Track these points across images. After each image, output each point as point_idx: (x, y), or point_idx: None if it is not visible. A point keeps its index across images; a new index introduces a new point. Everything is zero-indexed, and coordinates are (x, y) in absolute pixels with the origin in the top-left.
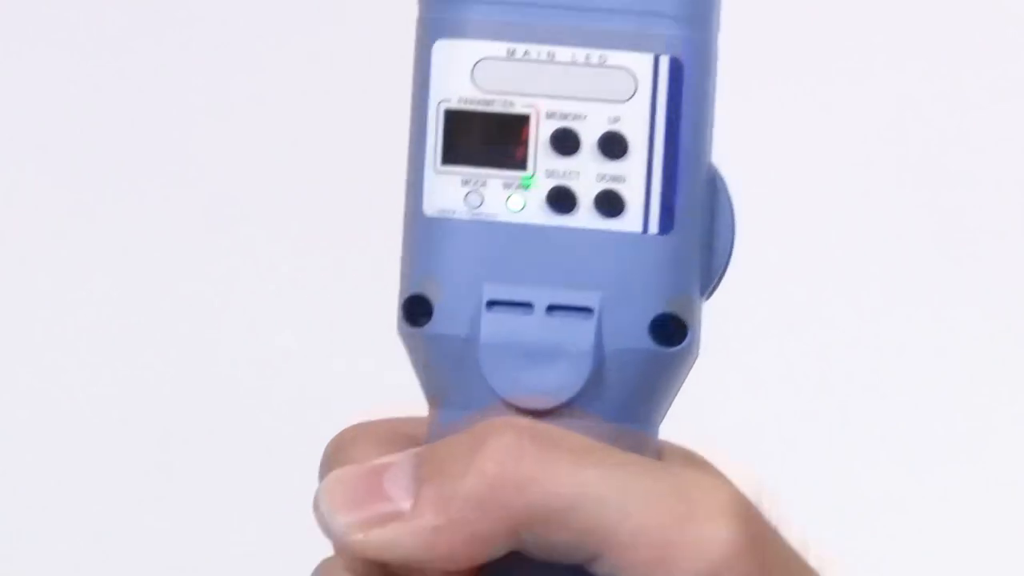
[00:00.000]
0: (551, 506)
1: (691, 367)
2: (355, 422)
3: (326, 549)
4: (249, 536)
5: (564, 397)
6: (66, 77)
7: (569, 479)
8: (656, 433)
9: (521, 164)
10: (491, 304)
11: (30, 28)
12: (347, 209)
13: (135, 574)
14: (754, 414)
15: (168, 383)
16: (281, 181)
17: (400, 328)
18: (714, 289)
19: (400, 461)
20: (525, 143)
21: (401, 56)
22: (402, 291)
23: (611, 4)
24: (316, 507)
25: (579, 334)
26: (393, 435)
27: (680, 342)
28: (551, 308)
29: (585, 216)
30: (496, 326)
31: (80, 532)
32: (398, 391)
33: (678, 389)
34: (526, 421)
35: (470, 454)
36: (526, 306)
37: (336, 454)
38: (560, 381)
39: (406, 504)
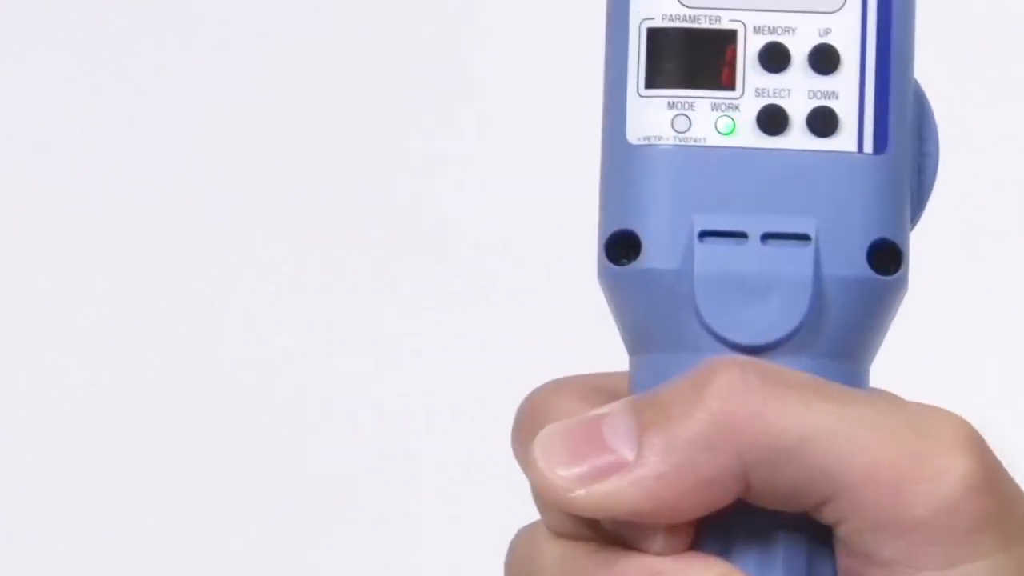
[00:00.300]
0: (781, 443)
1: (902, 300)
2: (546, 381)
3: (326, 549)
4: (249, 536)
5: (783, 332)
6: (66, 77)
7: (799, 414)
8: (868, 372)
9: (729, 83)
10: (703, 235)
11: (30, 28)
12: (347, 209)
13: (135, 574)
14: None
15: (168, 383)
16: (281, 181)
17: (602, 268)
18: (919, 217)
19: (618, 409)
20: (733, 60)
21: (401, 56)
22: (603, 228)
23: None
24: (532, 465)
25: (797, 263)
26: (593, 389)
27: (896, 270)
28: (766, 236)
29: (797, 136)
30: (710, 258)
31: (80, 532)
32: (398, 391)
33: (890, 324)
34: (748, 358)
35: (694, 394)
36: (740, 236)
37: (537, 410)
38: (779, 314)
39: (629, 454)
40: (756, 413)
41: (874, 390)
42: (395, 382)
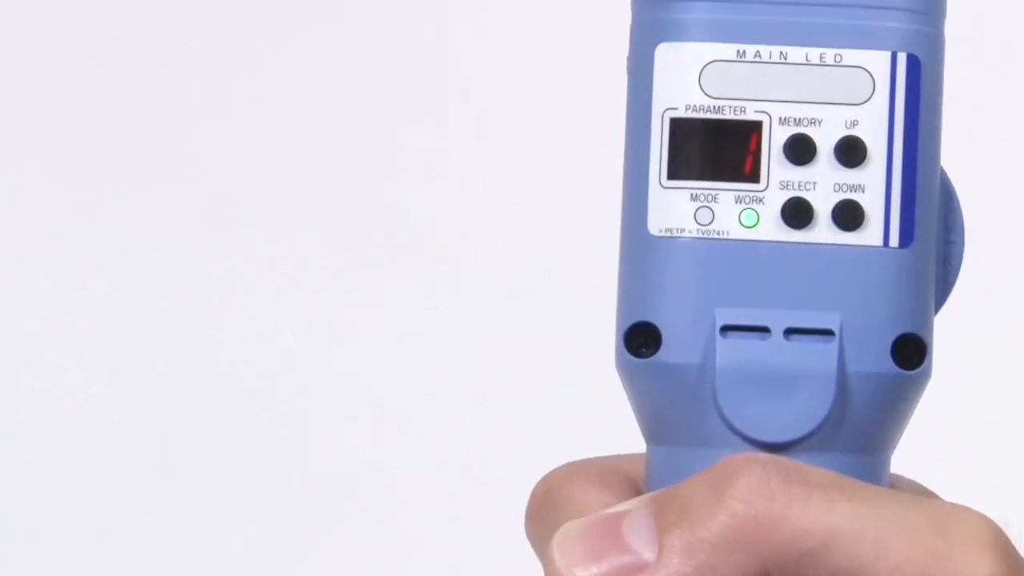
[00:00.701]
0: (805, 546)
1: (925, 390)
2: (562, 464)
3: (326, 549)
4: (249, 536)
5: (806, 429)
6: (66, 77)
7: (823, 516)
8: (889, 464)
9: (753, 176)
10: (725, 329)
11: (30, 28)
12: (347, 209)
13: (135, 574)
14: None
15: (168, 383)
16: (281, 181)
17: (620, 359)
18: (943, 304)
19: (638, 508)
20: (757, 152)
21: (401, 57)
22: (623, 318)
23: None
24: (550, 562)
25: (821, 359)
26: (608, 474)
27: (920, 364)
28: (789, 331)
29: (822, 230)
30: (732, 353)
31: (80, 532)
32: (398, 391)
33: (912, 415)
34: (768, 456)
35: (715, 495)
36: (762, 331)
37: (552, 497)
38: (802, 411)
39: (649, 554)
40: (779, 516)
41: (899, 479)
42: (395, 382)
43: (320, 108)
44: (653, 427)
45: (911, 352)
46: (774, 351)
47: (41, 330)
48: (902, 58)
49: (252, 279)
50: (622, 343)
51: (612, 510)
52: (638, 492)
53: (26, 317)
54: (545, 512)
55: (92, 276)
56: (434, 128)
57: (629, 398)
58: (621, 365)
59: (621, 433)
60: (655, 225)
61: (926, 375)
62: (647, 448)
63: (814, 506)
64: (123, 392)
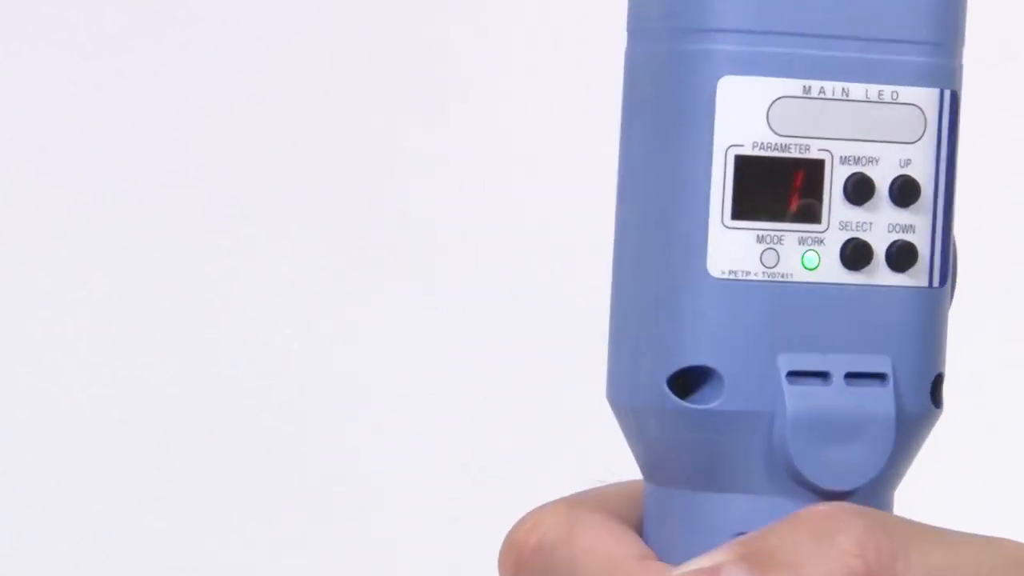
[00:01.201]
0: None
1: None
2: (532, 510)
3: (325, 548)
4: (249, 536)
5: (870, 475)
6: (66, 77)
7: (923, 564)
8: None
9: (815, 216)
10: (790, 375)
11: (30, 28)
12: (347, 209)
13: (135, 574)
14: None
15: (168, 383)
16: (281, 181)
17: (668, 404)
18: None
19: (731, 559)
20: (820, 192)
21: (401, 57)
22: (669, 360)
23: (895, 33)
24: None
25: (879, 403)
26: (612, 516)
27: (942, 401)
28: (848, 376)
29: (878, 272)
30: (801, 400)
31: (80, 532)
32: (398, 391)
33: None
34: (857, 507)
35: (822, 548)
36: (823, 376)
37: (556, 552)
38: (865, 457)
39: None
40: (888, 568)
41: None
42: (395, 382)
43: (320, 108)
44: (688, 473)
45: (940, 391)
46: (838, 397)
47: (41, 330)
48: (947, 96)
49: (252, 279)
50: (663, 386)
51: (698, 566)
52: (638, 530)
53: (26, 317)
54: (549, 558)
55: (92, 276)
56: (434, 128)
57: (651, 442)
58: (666, 409)
59: (621, 433)
60: (717, 266)
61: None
62: (660, 490)
63: (915, 556)
64: (123, 392)
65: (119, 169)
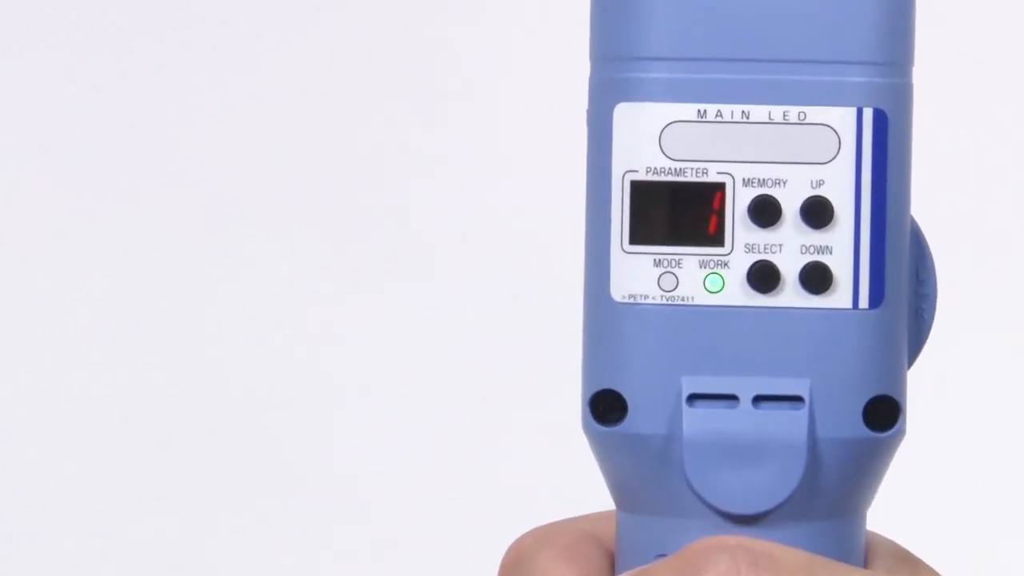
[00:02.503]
0: None
1: (899, 447)
2: (532, 528)
3: (325, 548)
4: (248, 536)
5: (776, 500)
6: (66, 77)
7: None
8: (864, 523)
9: (717, 239)
10: (692, 398)
11: (30, 28)
12: (347, 209)
13: (135, 574)
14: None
15: (168, 383)
16: (281, 181)
17: (587, 426)
18: (915, 359)
19: None
20: (721, 215)
21: (401, 57)
22: (588, 385)
23: (803, 53)
24: None
25: (790, 427)
26: (578, 545)
27: (894, 425)
28: (757, 399)
29: (789, 294)
30: (700, 423)
31: (80, 532)
32: (398, 390)
33: (886, 473)
34: (736, 540)
35: None
36: (730, 399)
37: (519, 568)
38: (773, 481)
39: None
40: None
41: (875, 538)
42: (395, 382)
43: (320, 108)
44: (622, 494)
45: (884, 414)
46: (743, 420)
47: (41, 330)
48: (868, 113)
49: (252, 279)
50: (587, 409)
51: None
52: (610, 558)
53: (26, 317)
54: None
55: (92, 276)
56: (434, 128)
57: (597, 463)
58: (587, 431)
59: None
60: (618, 291)
61: (900, 435)
62: (617, 513)
63: None
64: (123, 392)
65: (119, 169)
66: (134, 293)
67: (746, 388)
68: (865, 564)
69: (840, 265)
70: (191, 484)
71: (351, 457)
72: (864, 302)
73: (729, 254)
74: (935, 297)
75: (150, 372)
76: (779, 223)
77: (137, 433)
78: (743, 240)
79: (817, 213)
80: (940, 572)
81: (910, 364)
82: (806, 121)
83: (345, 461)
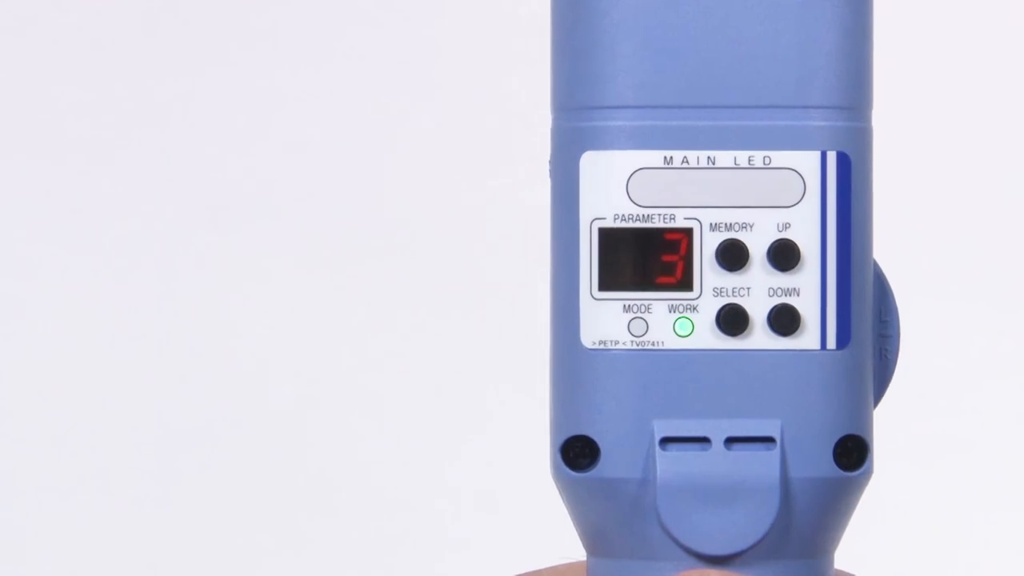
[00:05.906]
0: None
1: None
2: None
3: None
4: (249, 536)
5: (752, 539)
6: (66, 77)
7: None
8: (832, 561)
9: (686, 284)
10: (664, 441)
11: (30, 28)
12: (346, 209)
13: (135, 574)
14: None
15: (168, 383)
16: (281, 181)
17: (558, 472)
18: (881, 398)
19: None
20: (689, 260)
21: (401, 59)
22: (558, 431)
23: (767, 99)
24: None
25: (763, 468)
26: None
27: (862, 464)
28: (729, 441)
29: (758, 336)
30: (673, 465)
31: (80, 532)
32: (398, 390)
33: (853, 512)
34: (720, 573)
35: None
36: (702, 441)
37: None
38: (746, 522)
39: None
40: None
41: None
42: (395, 382)
43: (322, 110)
44: (594, 539)
45: (853, 453)
46: (715, 462)
47: (41, 330)
48: (832, 157)
49: (252, 279)
50: (558, 456)
51: None
52: None
53: (26, 317)
54: None
55: (92, 276)
56: (433, 127)
57: (567, 510)
58: (558, 477)
59: None
60: (588, 337)
61: (868, 474)
62: (587, 559)
63: None
64: (124, 393)
65: (119, 169)
66: (134, 293)
67: (718, 430)
68: None
69: (808, 307)
70: (191, 484)
71: (350, 457)
72: (832, 343)
73: (698, 298)
74: (898, 338)
75: (150, 372)
76: (747, 266)
77: (137, 433)
78: (711, 284)
79: (784, 256)
80: None
81: (876, 404)
82: (771, 165)
83: (344, 461)
